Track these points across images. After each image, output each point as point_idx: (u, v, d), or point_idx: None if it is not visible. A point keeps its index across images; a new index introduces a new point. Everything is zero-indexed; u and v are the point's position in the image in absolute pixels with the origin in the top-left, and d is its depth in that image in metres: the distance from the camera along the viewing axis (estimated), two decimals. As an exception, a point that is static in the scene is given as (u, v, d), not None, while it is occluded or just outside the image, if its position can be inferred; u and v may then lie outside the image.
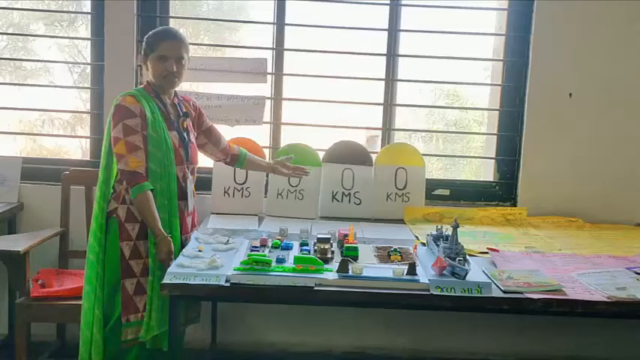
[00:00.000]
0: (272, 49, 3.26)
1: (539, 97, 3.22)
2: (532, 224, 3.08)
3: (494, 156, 3.38)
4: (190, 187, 2.55)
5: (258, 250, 2.26)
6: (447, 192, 3.32)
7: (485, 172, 3.60)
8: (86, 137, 3.42)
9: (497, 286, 2.05)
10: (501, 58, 3.33)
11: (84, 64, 3.58)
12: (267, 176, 3.10)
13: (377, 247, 2.44)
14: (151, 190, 2.34)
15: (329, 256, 2.21)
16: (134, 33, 3.14)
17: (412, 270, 2.04)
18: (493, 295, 1.99)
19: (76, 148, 3.94)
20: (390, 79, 3.28)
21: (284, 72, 3.27)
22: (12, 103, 3.39)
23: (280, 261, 2.12)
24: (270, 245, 2.36)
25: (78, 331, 2.47)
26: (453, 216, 2.78)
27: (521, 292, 2.01)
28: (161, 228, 2.33)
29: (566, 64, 3.19)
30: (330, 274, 2.03)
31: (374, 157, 3.17)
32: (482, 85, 3.59)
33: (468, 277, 2.03)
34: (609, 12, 3.16)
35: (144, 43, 2.50)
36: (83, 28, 3.60)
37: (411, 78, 3.35)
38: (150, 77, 2.49)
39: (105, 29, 3.14)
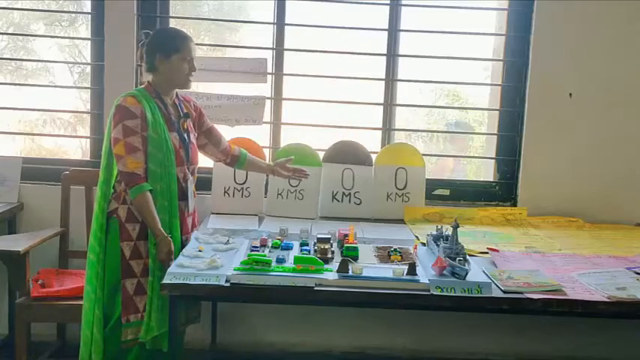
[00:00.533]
0: (272, 49, 3.26)
1: (539, 97, 3.22)
2: (532, 224, 3.08)
3: (494, 156, 3.38)
4: (191, 187, 2.55)
5: (258, 250, 2.26)
6: (447, 192, 3.32)
7: (485, 172, 3.60)
8: (86, 137, 3.42)
9: (497, 286, 2.05)
10: (501, 58, 3.33)
11: (84, 64, 3.57)
12: (267, 176, 3.10)
13: (377, 247, 2.44)
14: (150, 190, 2.34)
15: (329, 256, 2.21)
16: (134, 33, 3.14)
17: (412, 270, 2.04)
18: (493, 295, 1.99)
19: (76, 148, 3.93)
20: (390, 79, 3.28)
21: (284, 72, 3.27)
22: (12, 103, 3.39)
23: (280, 261, 2.12)
24: (270, 245, 2.36)
25: (78, 331, 2.47)
26: (453, 216, 2.78)
27: (521, 292, 2.01)
28: (161, 228, 2.33)
29: (566, 64, 3.19)
30: (330, 274, 2.03)
31: (374, 157, 3.17)
32: (483, 85, 3.59)
33: (468, 277, 2.03)
34: (609, 12, 3.16)
35: (161, 44, 2.46)
36: (83, 28, 3.60)
37: (411, 78, 3.35)
38: (163, 77, 2.48)
39: (105, 29, 3.14)
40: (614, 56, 3.19)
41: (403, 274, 2.03)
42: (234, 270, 2.02)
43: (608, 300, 2.00)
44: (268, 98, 3.23)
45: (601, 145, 3.24)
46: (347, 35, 3.32)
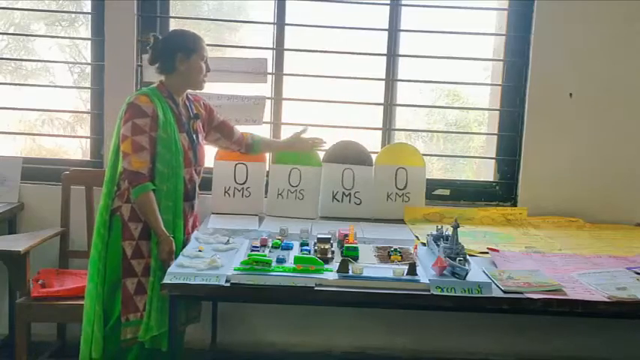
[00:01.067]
0: (272, 49, 3.26)
1: (539, 97, 3.22)
2: (532, 224, 3.08)
3: (494, 156, 3.38)
4: (196, 188, 2.57)
5: (258, 250, 2.26)
6: (447, 192, 3.32)
7: (485, 172, 3.60)
8: (86, 137, 3.42)
9: (497, 286, 2.05)
10: (501, 58, 3.33)
11: (84, 64, 3.57)
12: (267, 176, 3.10)
13: (377, 247, 2.44)
14: (153, 190, 2.35)
15: (329, 256, 2.22)
16: (134, 33, 3.15)
17: (412, 270, 2.04)
18: (493, 295, 2.00)
19: (76, 148, 3.93)
20: (390, 79, 3.28)
21: (284, 72, 3.27)
22: (12, 103, 3.39)
23: (280, 261, 2.12)
24: (270, 245, 2.36)
25: (78, 331, 2.47)
26: (453, 216, 2.78)
27: (521, 292, 2.02)
28: (163, 228, 2.34)
29: (566, 64, 3.19)
30: (330, 274, 2.03)
31: (374, 157, 3.17)
32: (483, 85, 3.59)
33: (469, 277, 2.03)
34: (609, 12, 3.16)
35: (181, 44, 2.49)
36: (83, 28, 3.60)
37: (411, 78, 3.35)
38: (181, 77, 2.50)
39: (105, 29, 3.14)
40: (614, 56, 3.19)
41: (403, 274, 2.03)
42: (235, 270, 2.02)
43: (608, 300, 2.00)
44: (268, 98, 3.23)
45: (601, 145, 3.24)
46: (347, 35, 3.32)
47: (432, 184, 3.28)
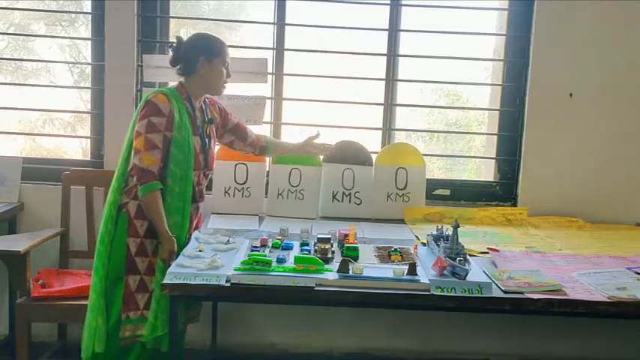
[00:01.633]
0: (272, 49, 3.26)
1: (539, 97, 3.22)
2: (532, 224, 3.08)
3: (494, 156, 3.38)
4: (203, 192, 2.60)
5: (258, 250, 2.26)
6: (447, 192, 3.32)
7: (485, 172, 3.60)
8: (86, 137, 3.42)
9: (497, 286, 2.05)
10: (501, 58, 3.33)
11: (84, 64, 3.58)
12: (267, 176, 3.10)
13: (377, 247, 2.44)
14: (161, 190, 2.35)
15: (329, 256, 2.22)
16: (134, 33, 3.14)
17: (412, 270, 2.04)
18: (494, 296, 1.99)
19: (76, 148, 3.94)
20: (391, 79, 3.28)
21: (284, 72, 3.27)
22: (12, 103, 3.39)
23: (281, 261, 2.12)
24: (270, 245, 2.36)
25: (78, 331, 2.47)
26: (454, 216, 2.79)
27: (521, 293, 2.01)
28: (166, 228, 2.34)
29: (566, 64, 3.19)
30: (330, 274, 2.03)
31: (374, 157, 3.17)
32: (483, 85, 3.59)
33: (469, 277, 2.03)
34: (609, 12, 3.16)
35: (205, 47, 2.50)
36: (84, 28, 3.60)
37: (411, 78, 3.35)
38: (201, 80, 2.51)
39: (105, 29, 3.14)
40: (614, 56, 3.19)
41: (403, 274, 2.03)
42: (235, 270, 2.02)
43: (608, 300, 2.00)
44: (269, 98, 3.23)
45: (601, 145, 3.24)
46: (347, 35, 3.32)
47: (432, 184, 3.28)
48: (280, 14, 3.23)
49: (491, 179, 3.41)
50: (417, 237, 2.70)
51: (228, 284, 1.97)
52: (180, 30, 3.47)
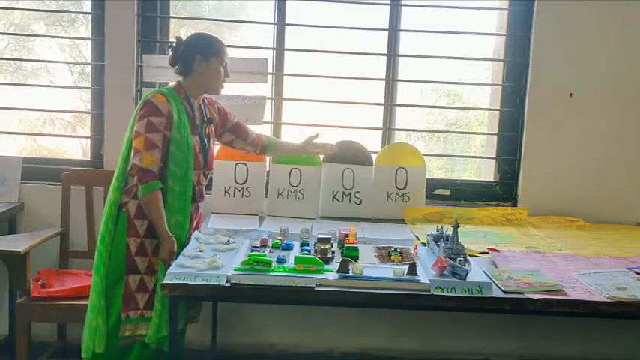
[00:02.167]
0: (272, 49, 3.26)
1: (539, 97, 3.22)
2: (532, 224, 3.08)
3: (494, 156, 3.38)
4: (202, 191, 2.60)
5: (258, 250, 2.26)
6: (447, 192, 3.32)
7: (485, 172, 3.60)
8: (86, 137, 3.42)
9: (497, 286, 2.05)
10: (502, 58, 3.33)
11: (84, 64, 3.58)
12: (267, 176, 3.10)
13: (377, 247, 2.44)
14: (161, 189, 2.35)
15: (329, 256, 2.22)
16: (134, 33, 3.15)
17: (413, 270, 2.04)
18: (494, 295, 1.99)
19: (77, 148, 3.94)
20: (391, 79, 3.28)
21: (284, 72, 3.27)
22: (12, 103, 3.39)
23: (281, 261, 2.12)
24: (270, 245, 2.36)
25: (78, 331, 2.47)
26: (454, 216, 2.79)
27: (521, 292, 2.01)
28: (166, 228, 2.34)
29: (566, 64, 3.19)
30: (330, 274, 2.03)
31: (374, 157, 3.17)
32: (483, 85, 3.59)
33: (469, 277, 2.03)
34: (609, 12, 3.16)
35: (202, 46, 2.50)
36: (84, 28, 3.60)
37: (411, 78, 3.35)
38: (198, 80, 2.51)
39: (105, 29, 3.14)
40: (614, 56, 3.19)
41: (403, 274, 2.03)
42: (235, 270, 2.02)
43: (608, 300, 2.00)
44: (269, 98, 3.23)
45: (601, 145, 3.24)
46: (347, 35, 3.32)
47: (432, 184, 3.29)
48: (280, 14, 3.23)
49: (492, 179, 3.41)
50: (417, 237, 2.70)
51: (228, 284, 1.97)
52: (180, 30, 3.47)
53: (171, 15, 3.30)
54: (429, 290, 1.98)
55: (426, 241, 2.49)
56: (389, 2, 3.25)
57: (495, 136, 3.38)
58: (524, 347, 3.25)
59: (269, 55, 3.24)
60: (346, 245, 2.26)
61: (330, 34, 3.31)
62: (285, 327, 3.23)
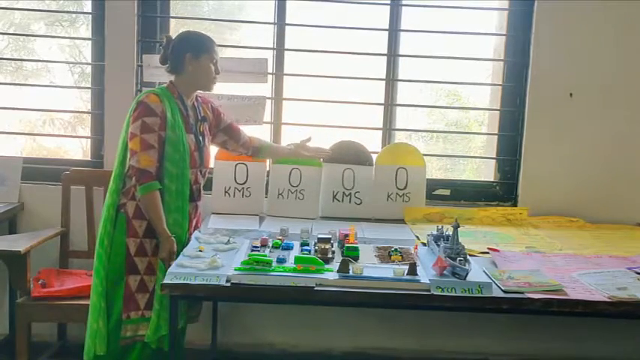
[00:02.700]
0: (272, 49, 3.26)
1: (539, 97, 3.22)
2: (532, 224, 3.08)
3: (494, 156, 3.38)
4: (200, 190, 2.59)
5: (258, 250, 2.26)
6: (447, 192, 3.32)
7: (485, 172, 3.60)
8: (86, 137, 3.42)
9: (497, 286, 2.05)
10: (502, 58, 3.33)
11: (84, 64, 3.58)
12: (267, 176, 3.10)
13: (377, 247, 2.44)
14: (159, 189, 2.35)
15: (329, 256, 2.22)
16: (134, 33, 3.15)
17: (413, 270, 2.04)
18: (494, 295, 2.00)
19: (77, 148, 3.94)
20: (391, 79, 3.28)
21: (284, 72, 3.27)
22: (12, 103, 3.39)
23: (281, 261, 2.12)
24: (270, 245, 2.36)
25: (78, 331, 2.47)
26: (454, 216, 2.78)
27: (521, 292, 2.02)
28: (165, 228, 2.35)
29: (566, 64, 3.19)
30: (330, 274, 2.03)
31: (374, 157, 3.17)
32: (483, 85, 3.59)
33: (469, 277, 2.03)
34: (609, 12, 3.16)
35: (192, 44, 2.50)
36: (84, 28, 3.60)
37: (411, 78, 3.35)
38: (189, 77, 2.51)
39: (105, 29, 3.14)
40: (614, 56, 3.19)
41: (404, 274, 2.03)
42: (235, 270, 2.02)
43: (608, 300, 2.00)
44: (269, 98, 3.23)
45: (601, 145, 3.24)
46: (347, 35, 3.32)
47: (433, 184, 3.29)
48: (280, 14, 3.23)
49: (492, 179, 3.41)
50: (417, 237, 2.70)
51: (229, 284, 1.98)
52: (180, 30, 3.46)
53: (171, 15, 3.30)
54: (429, 290, 1.98)
55: (426, 241, 2.49)
56: (389, 2, 3.26)
57: (495, 136, 3.38)
58: (524, 347, 3.25)
59: (269, 55, 3.24)
60: (346, 245, 2.26)
61: (330, 34, 3.31)
62: (285, 327, 3.23)
